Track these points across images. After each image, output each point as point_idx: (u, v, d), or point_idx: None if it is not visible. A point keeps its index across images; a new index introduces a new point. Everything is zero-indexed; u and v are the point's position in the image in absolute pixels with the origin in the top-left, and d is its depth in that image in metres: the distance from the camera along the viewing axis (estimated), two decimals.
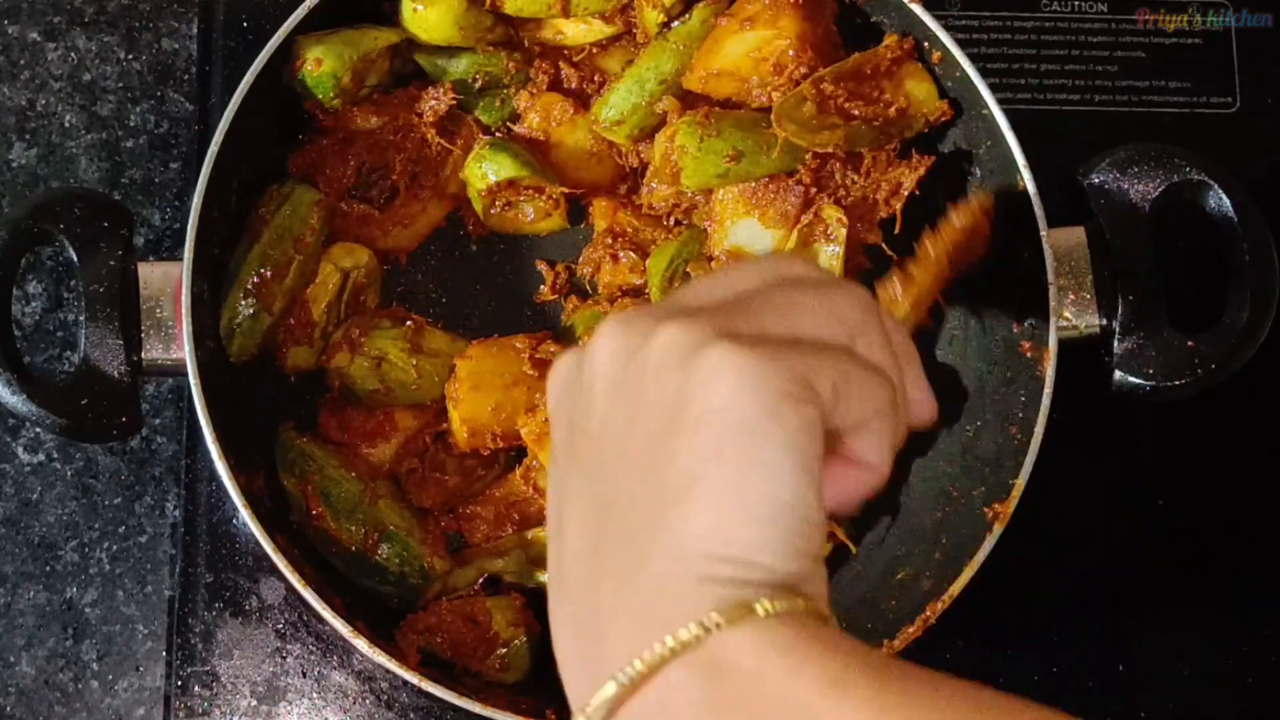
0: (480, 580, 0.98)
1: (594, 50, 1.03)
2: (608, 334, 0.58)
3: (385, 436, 0.99)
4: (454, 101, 1.00)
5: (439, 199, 1.03)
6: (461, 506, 1.01)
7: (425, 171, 1.02)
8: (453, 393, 0.98)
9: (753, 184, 0.97)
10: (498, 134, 1.02)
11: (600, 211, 1.02)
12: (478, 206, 1.01)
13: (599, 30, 1.01)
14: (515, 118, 1.02)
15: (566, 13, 0.99)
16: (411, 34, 0.98)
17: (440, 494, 1.00)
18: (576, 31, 1.01)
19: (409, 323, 1.00)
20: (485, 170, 0.99)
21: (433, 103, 1.00)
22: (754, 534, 0.52)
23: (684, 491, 0.53)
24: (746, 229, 0.98)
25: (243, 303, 0.94)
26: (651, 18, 0.99)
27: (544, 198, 1.01)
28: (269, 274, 0.95)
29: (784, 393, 0.53)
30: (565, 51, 1.03)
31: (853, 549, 1.00)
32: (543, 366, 0.98)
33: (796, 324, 0.58)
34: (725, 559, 0.52)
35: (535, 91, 1.02)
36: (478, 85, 1.01)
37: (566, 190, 1.01)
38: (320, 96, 0.96)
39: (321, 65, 0.94)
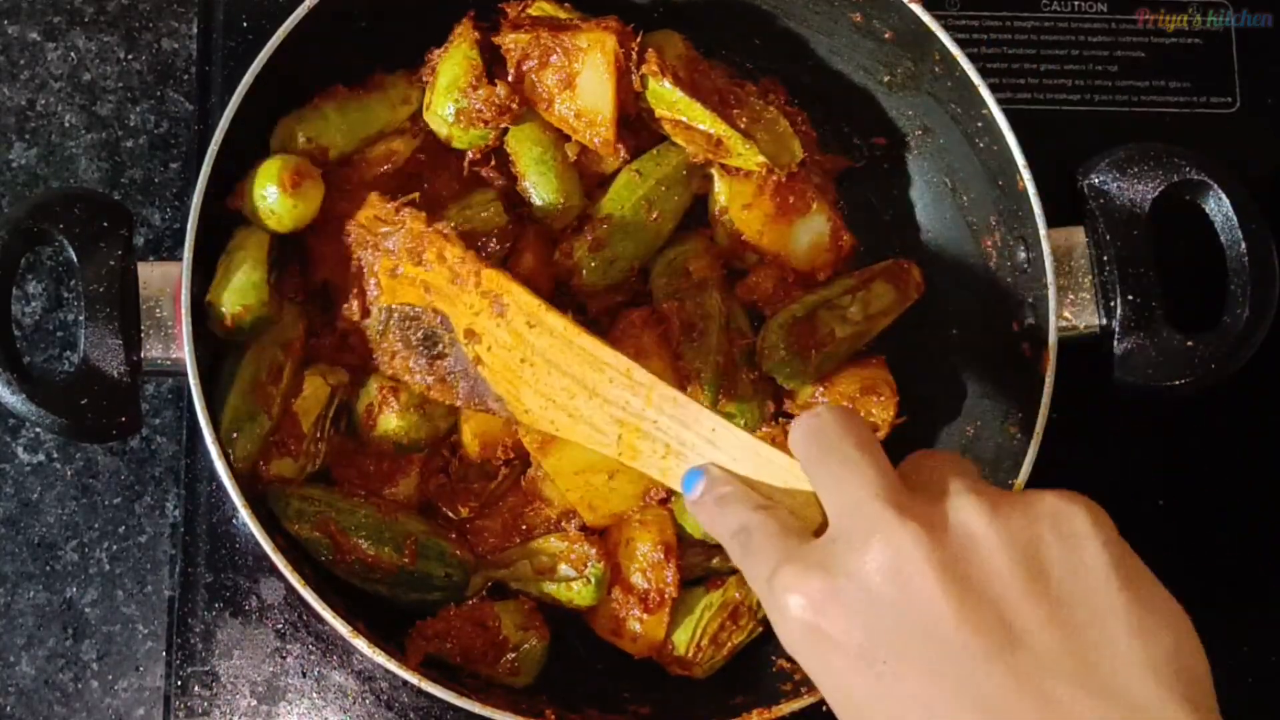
0: (486, 586, 0.98)
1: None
2: None
3: (404, 472, 0.99)
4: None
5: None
6: (470, 521, 1.00)
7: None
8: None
9: None
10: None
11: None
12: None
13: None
14: None
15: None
16: (284, 227, 0.96)
17: (472, 499, 0.99)
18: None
19: None
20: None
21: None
22: None
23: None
24: None
25: (243, 405, 0.93)
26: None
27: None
28: (265, 376, 0.94)
29: None
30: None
31: None
32: None
33: None
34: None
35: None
36: None
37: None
38: (264, 326, 0.94)
39: (250, 309, 0.93)
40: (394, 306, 0.95)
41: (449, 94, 0.98)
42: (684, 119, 0.99)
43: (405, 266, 0.94)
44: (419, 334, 0.94)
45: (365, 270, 0.96)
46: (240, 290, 0.93)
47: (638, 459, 0.85)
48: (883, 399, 0.99)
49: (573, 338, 0.88)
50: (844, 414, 0.70)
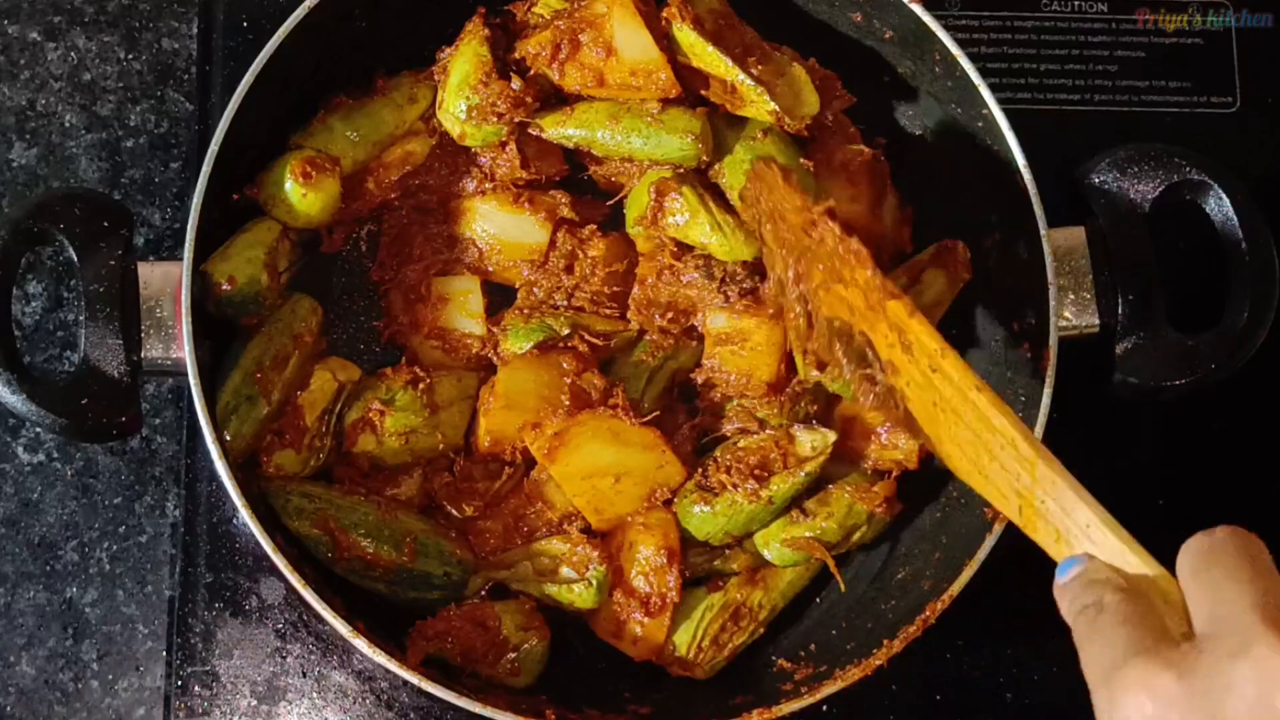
0: (487, 586, 0.98)
1: None
2: None
3: (408, 472, 0.99)
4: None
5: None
6: (472, 522, 1.00)
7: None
8: (486, 400, 0.98)
9: None
10: None
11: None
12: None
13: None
14: None
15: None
16: (295, 220, 0.97)
17: (476, 498, 0.99)
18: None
19: (420, 385, 0.98)
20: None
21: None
22: None
23: None
24: None
25: (243, 386, 0.93)
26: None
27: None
28: (269, 363, 0.94)
29: None
30: None
31: None
32: (579, 397, 0.98)
33: None
34: None
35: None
36: None
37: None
38: (253, 306, 0.95)
39: (236, 282, 0.93)
40: (830, 319, 0.88)
41: (461, 91, 0.98)
42: (702, 66, 0.99)
43: (832, 283, 0.87)
44: (852, 349, 0.86)
45: (800, 279, 0.90)
46: (233, 263, 0.94)
47: (1036, 535, 0.75)
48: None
49: (967, 391, 0.78)
50: (1239, 533, 0.64)
